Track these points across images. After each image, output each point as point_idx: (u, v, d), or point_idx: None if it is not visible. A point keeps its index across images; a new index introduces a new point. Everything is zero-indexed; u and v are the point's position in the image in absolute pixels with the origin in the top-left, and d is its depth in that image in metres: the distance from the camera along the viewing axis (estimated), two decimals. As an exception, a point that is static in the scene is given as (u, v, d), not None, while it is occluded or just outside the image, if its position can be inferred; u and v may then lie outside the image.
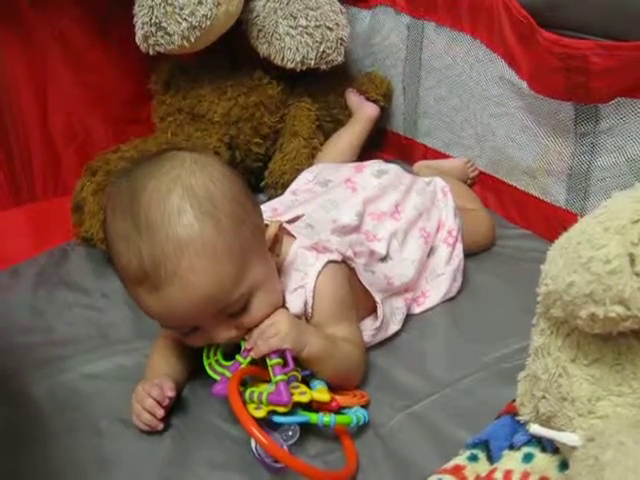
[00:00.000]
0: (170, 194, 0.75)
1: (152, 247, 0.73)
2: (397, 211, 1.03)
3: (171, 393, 0.83)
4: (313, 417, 0.78)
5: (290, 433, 0.77)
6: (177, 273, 0.73)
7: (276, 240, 0.85)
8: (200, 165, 0.78)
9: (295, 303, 0.85)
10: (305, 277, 0.86)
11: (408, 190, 1.07)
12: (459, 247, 1.05)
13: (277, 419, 0.76)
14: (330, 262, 0.87)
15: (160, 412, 0.82)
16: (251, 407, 0.76)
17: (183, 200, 0.74)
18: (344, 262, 0.90)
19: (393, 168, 1.11)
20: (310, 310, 0.85)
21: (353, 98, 1.41)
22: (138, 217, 0.74)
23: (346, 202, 1.00)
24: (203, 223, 0.74)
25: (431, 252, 1.05)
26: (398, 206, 1.04)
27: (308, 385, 0.82)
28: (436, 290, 1.03)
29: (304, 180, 1.14)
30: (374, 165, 1.11)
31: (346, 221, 0.96)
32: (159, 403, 0.82)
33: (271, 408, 0.76)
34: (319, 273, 0.86)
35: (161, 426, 0.83)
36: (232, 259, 0.76)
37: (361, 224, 0.98)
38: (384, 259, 0.97)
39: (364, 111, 1.38)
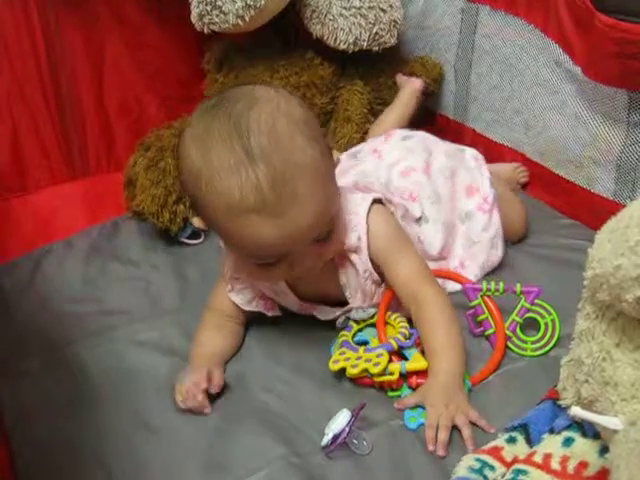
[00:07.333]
0: (277, 122, 0.77)
1: (271, 173, 0.74)
2: (429, 167, 1.04)
3: (217, 389, 0.86)
4: None
5: (364, 443, 0.79)
6: (297, 196, 0.76)
7: None
8: (286, 95, 0.83)
9: (352, 239, 0.90)
10: (356, 217, 0.90)
11: (436, 151, 1.07)
12: (496, 215, 1.04)
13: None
14: (375, 200, 0.92)
15: (207, 410, 0.85)
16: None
17: (290, 127, 0.78)
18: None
19: (419, 133, 1.12)
20: (364, 244, 0.90)
21: (402, 78, 1.39)
22: (249, 146, 0.75)
23: (374, 172, 1.03)
24: (312, 147, 0.78)
25: (466, 218, 1.04)
26: (429, 164, 1.04)
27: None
28: (473, 259, 1.03)
29: None
30: (401, 132, 1.13)
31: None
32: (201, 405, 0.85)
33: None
34: (368, 211, 0.90)
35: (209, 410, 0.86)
36: (331, 181, 0.82)
37: (389, 188, 1.00)
38: (419, 220, 0.99)
39: (409, 85, 1.36)
